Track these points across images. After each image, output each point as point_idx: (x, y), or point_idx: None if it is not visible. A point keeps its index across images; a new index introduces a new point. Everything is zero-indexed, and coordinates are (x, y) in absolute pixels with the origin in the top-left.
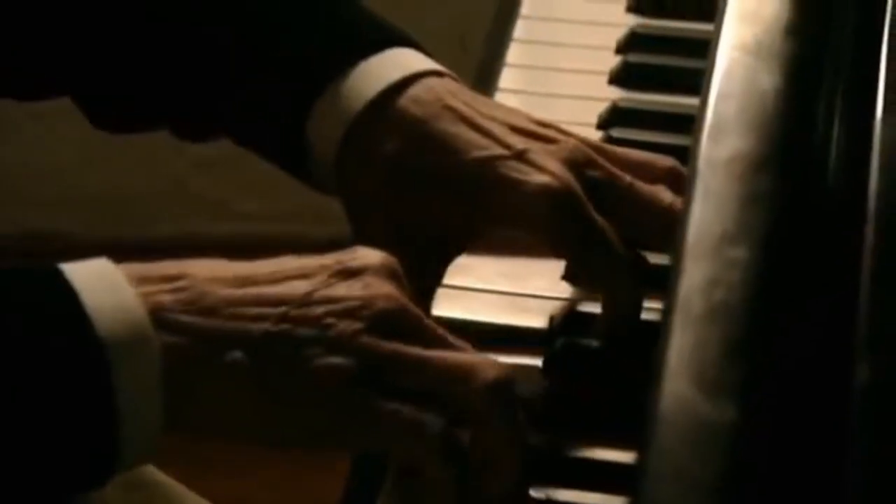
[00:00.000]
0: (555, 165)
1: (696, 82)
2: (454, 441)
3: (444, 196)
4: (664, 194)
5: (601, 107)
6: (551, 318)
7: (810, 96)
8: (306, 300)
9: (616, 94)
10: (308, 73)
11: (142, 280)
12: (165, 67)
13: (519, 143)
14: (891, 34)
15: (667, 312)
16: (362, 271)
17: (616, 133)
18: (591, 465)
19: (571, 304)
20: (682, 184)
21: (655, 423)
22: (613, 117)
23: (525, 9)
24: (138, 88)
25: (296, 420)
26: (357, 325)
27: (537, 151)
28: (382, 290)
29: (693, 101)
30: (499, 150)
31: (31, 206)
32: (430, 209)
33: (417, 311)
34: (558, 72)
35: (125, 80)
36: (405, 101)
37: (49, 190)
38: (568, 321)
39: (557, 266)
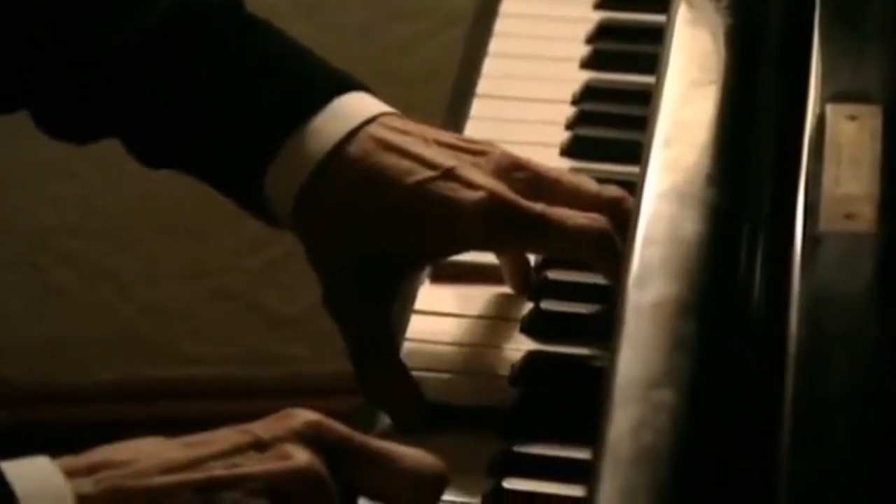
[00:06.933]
0: (483, 178)
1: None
2: None
3: (392, 225)
4: (589, 183)
5: None
6: None
7: (731, 244)
8: (217, 483)
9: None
10: (263, 134)
11: (69, 472)
12: (128, 89)
13: (447, 160)
14: (807, 182)
15: (596, 457)
16: (279, 440)
17: None
18: None
19: None
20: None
21: None
22: None
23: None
24: (97, 101)
25: None
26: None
27: (465, 166)
28: (295, 460)
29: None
30: (429, 173)
31: None
32: (382, 238)
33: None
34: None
35: (86, 94)
36: (349, 150)
37: None
38: None
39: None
